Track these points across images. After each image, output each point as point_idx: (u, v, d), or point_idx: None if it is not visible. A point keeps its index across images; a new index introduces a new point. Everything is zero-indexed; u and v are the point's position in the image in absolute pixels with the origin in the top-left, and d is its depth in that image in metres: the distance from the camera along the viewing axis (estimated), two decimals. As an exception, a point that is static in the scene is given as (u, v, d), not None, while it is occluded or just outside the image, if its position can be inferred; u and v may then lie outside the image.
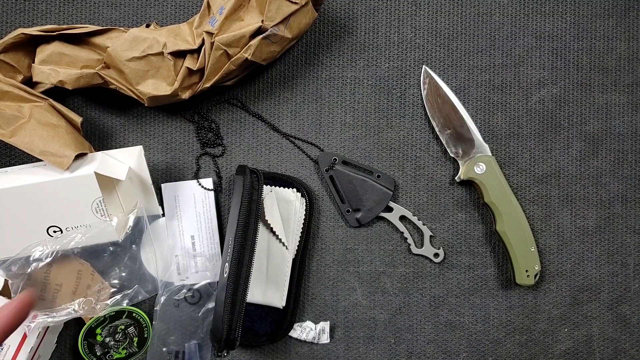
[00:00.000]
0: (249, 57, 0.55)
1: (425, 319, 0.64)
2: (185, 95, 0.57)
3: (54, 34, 0.55)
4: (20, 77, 0.57)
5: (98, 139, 0.63)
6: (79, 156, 0.55)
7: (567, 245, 0.64)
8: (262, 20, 0.54)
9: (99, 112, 0.63)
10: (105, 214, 0.55)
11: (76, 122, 0.56)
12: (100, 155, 0.58)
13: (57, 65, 0.56)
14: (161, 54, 0.55)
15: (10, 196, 0.53)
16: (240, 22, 0.55)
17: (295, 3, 0.54)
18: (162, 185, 0.62)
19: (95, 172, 0.53)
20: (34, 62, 0.56)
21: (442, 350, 0.63)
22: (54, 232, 0.55)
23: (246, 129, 0.64)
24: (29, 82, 0.58)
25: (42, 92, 0.57)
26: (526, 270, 0.61)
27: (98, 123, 0.63)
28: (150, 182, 0.61)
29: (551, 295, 0.64)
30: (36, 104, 0.55)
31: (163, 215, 0.62)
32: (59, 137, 0.53)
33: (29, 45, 0.57)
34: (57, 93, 0.61)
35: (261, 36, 0.55)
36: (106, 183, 0.57)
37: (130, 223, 0.57)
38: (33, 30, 0.55)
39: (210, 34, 0.55)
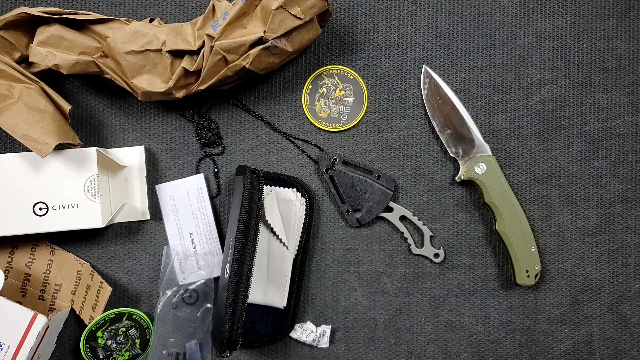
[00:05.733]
0: (247, 66, 0.55)
1: (426, 319, 0.64)
2: (180, 94, 0.57)
3: (56, 16, 0.55)
4: (17, 55, 0.57)
5: (97, 139, 0.63)
6: (61, 145, 0.55)
7: (567, 245, 0.64)
8: (264, 31, 0.54)
9: (99, 111, 0.63)
10: (95, 193, 0.55)
11: (64, 109, 0.56)
12: (102, 149, 0.58)
13: (55, 48, 0.56)
14: (159, 51, 0.55)
15: (5, 165, 0.54)
16: (243, 30, 0.55)
17: (300, 18, 0.54)
18: (157, 186, 0.62)
19: (97, 150, 0.55)
20: (32, 42, 0.56)
21: (442, 351, 0.63)
22: (40, 209, 0.55)
23: (246, 129, 0.64)
24: (25, 61, 0.58)
25: (37, 73, 0.57)
26: (526, 271, 0.61)
27: (97, 122, 0.63)
28: (146, 184, 0.61)
29: (551, 295, 0.64)
30: (27, 86, 0.55)
31: (151, 218, 0.62)
32: (44, 123, 0.53)
33: (30, 25, 0.57)
34: (54, 76, 0.61)
35: (261, 47, 0.55)
36: (100, 180, 0.57)
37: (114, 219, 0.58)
38: (35, 10, 0.55)
39: (211, 37, 0.55)
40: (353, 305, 0.63)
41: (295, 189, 0.62)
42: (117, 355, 0.60)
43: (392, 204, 0.63)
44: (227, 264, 0.55)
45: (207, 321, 0.62)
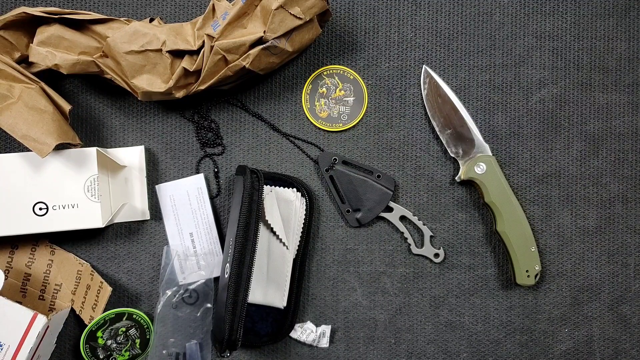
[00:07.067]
0: (247, 66, 0.55)
1: (426, 319, 0.64)
2: (180, 94, 0.57)
3: (56, 16, 0.55)
4: (17, 55, 0.57)
5: (97, 139, 0.63)
6: (61, 145, 0.55)
7: (567, 245, 0.64)
8: (264, 31, 0.54)
9: (99, 111, 0.63)
10: (95, 193, 0.55)
11: (64, 109, 0.56)
12: (102, 149, 0.58)
13: (55, 48, 0.56)
14: (159, 51, 0.55)
15: (5, 165, 0.54)
16: (243, 30, 0.55)
17: (300, 18, 0.54)
18: (157, 186, 0.62)
19: (97, 150, 0.55)
20: (32, 42, 0.56)
21: (442, 351, 0.63)
22: (40, 209, 0.55)
23: (246, 129, 0.64)
24: (25, 61, 0.58)
25: (37, 73, 0.57)
26: (526, 271, 0.61)
27: (97, 122, 0.63)
28: (146, 184, 0.61)
29: (551, 295, 0.64)
30: (27, 86, 0.55)
31: (151, 218, 0.62)
32: (44, 123, 0.53)
33: (30, 25, 0.57)
34: (54, 76, 0.61)
35: (261, 47, 0.55)
36: (100, 180, 0.57)
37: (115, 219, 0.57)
38: (35, 10, 0.55)
39: (211, 37, 0.55)
40: (353, 305, 0.63)
41: (295, 189, 0.62)
42: (117, 355, 0.60)
43: (392, 204, 0.63)
44: (227, 264, 0.55)
45: (207, 321, 0.62)
